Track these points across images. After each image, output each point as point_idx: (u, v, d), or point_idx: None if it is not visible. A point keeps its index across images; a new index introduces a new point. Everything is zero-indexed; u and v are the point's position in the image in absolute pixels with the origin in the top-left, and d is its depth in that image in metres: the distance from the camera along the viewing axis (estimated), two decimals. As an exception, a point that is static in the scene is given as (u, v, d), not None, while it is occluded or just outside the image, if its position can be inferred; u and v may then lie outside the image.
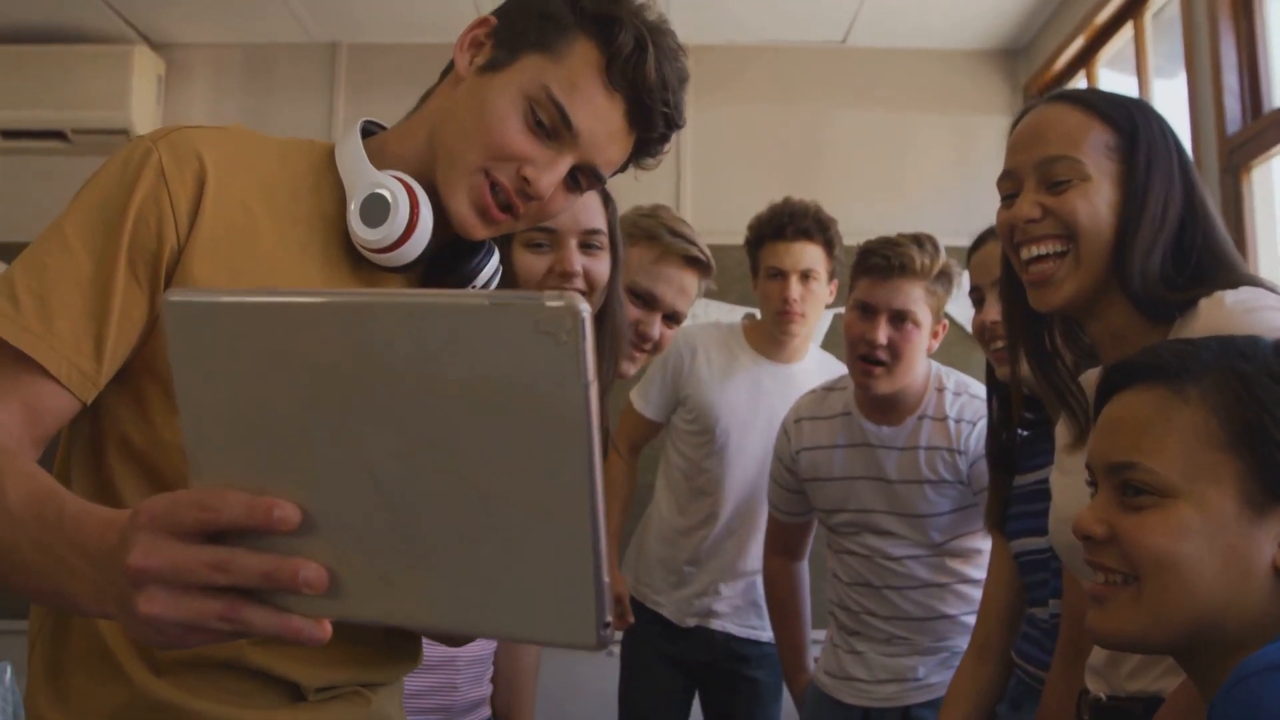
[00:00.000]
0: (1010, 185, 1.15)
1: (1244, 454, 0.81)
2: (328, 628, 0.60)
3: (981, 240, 1.67)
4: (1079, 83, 3.30)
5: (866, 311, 1.84)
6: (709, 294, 2.01)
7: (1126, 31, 2.99)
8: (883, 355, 1.82)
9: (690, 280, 1.79)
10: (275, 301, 0.58)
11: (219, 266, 0.90)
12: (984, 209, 3.52)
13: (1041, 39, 3.43)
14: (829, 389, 2.04)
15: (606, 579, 0.54)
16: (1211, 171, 2.38)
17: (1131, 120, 1.10)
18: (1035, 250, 1.10)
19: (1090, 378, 1.23)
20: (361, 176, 0.96)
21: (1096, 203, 1.07)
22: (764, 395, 2.34)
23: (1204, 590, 0.80)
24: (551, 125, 0.95)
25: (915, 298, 1.82)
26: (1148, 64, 2.88)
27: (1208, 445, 0.82)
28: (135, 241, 0.88)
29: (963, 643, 1.80)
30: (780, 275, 2.26)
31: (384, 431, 0.56)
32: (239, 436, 0.60)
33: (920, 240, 1.86)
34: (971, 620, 1.77)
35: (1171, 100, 2.78)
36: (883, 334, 1.81)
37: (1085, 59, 3.21)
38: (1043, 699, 1.32)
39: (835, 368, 2.47)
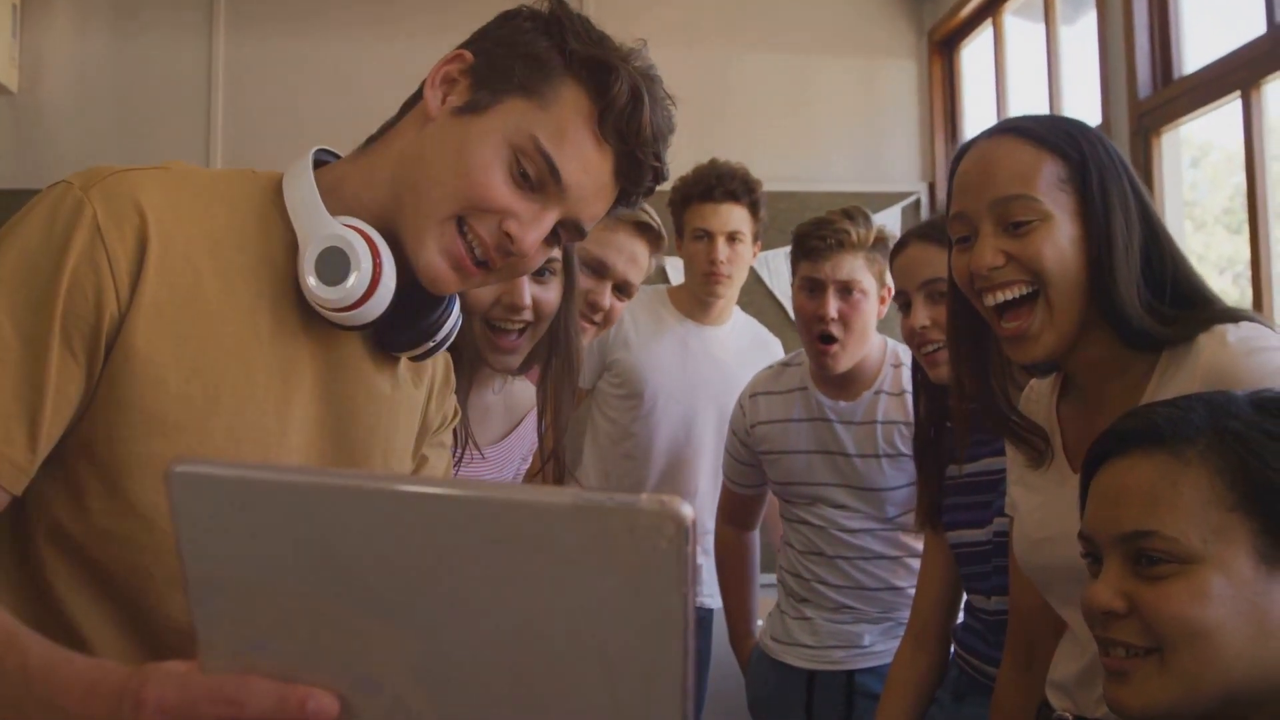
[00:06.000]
0: (962, 229, 1.10)
1: (1254, 512, 0.82)
2: None
3: (903, 244, 1.66)
4: (985, 31, 3.33)
5: (813, 289, 1.86)
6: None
7: (1034, -19, 3.01)
8: (835, 330, 1.84)
9: (641, 249, 1.76)
10: (311, 482, 0.52)
11: (163, 334, 0.81)
12: (887, 153, 3.61)
13: (948, -17, 3.43)
14: (786, 364, 2.05)
15: None
16: (1121, 134, 2.44)
17: (1078, 148, 1.06)
18: (1001, 296, 1.06)
19: (1041, 387, 1.23)
20: (316, 226, 0.87)
21: (1061, 242, 1.04)
22: (691, 357, 2.34)
23: (1234, 654, 0.80)
24: (538, 178, 0.88)
25: (857, 268, 1.85)
26: (1056, 13, 2.92)
27: (1217, 507, 0.82)
28: (70, 312, 0.78)
29: (908, 615, 1.85)
30: (707, 237, 2.26)
31: (437, 625, 0.52)
32: (258, 616, 0.54)
33: (850, 214, 1.88)
34: None
35: (1078, 48, 2.84)
36: (832, 307, 1.83)
37: (992, 6, 3.23)
38: (995, 700, 1.33)
39: (759, 331, 2.50)
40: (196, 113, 3.37)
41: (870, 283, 1.86)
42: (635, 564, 0.48)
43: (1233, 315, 1.03)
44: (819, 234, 1.85)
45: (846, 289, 1.84)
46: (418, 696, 0.53)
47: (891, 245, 1.89)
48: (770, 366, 2.09)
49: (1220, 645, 0.80)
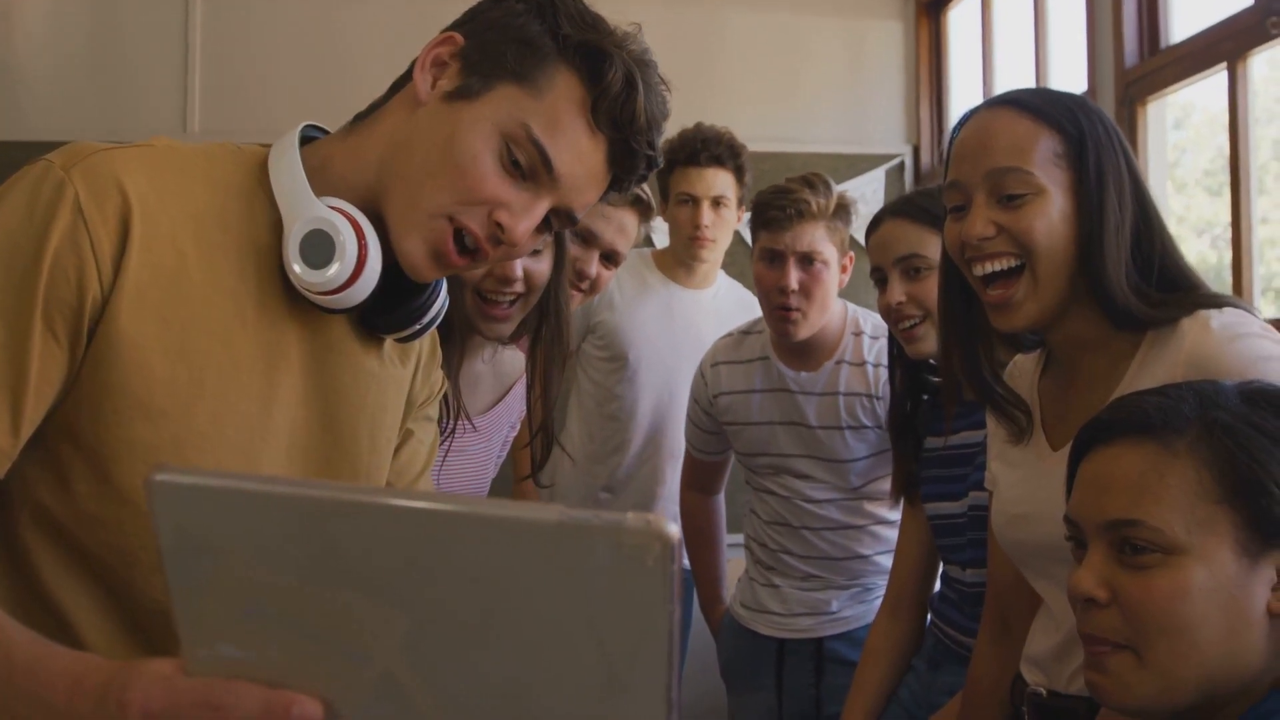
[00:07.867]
0: (957, 197, 1.11)
1: (1239, 505, 0.83)
2: None
3: (878, 221, 1.66)
4: (973, -7, 3.31)
5: (774, 260, 1.84)
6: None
7: (1024, -56, 2.99)
8: (795, 301, 1.82)
9: (630, 219, 1.75)
10: (293, 494, 0.53)
11: (147, 317, 0.81)
12: (872, 115, 3.59)
13: (936, -56, 3.40)
14: (746, 332, 2.04)
15: None
16: (1107, 103, 2.44)
17: (1077, 124, 1.07)
18: (989, 267, 1.08)
19: (1025, 363, 1.24)
20: (301, 208, 0.86)
21: (1053, 217, 1.05)
22: (675, 320, 2.35)
23: (1212, 647, 0.82)
24: (529, 167, 0.87)
25: (818, 238, 1.83)
26: (1044, -22, 2.90)
27: (1203, 499, 0.83)
28: (52, 294, 0.77)
29: (875, 580, 1.89)
30: (692, 201, 2.26)
31: (422, 638, 0.52)
32: (241, 619, 0.55)
33: (810, 181, 1.85)
34: (885, 560, 1.85)
35: (1066, 13, 2.82)
36: (793, 278, 1.81)
37: (981, -31, 3.21)
38: (971, 671, 1.36)
39: (743, 294, 2.49)
40: (173, 67, 3.30)
41: (831, 252, 1.84)
42: (621, 582, 0.48)
43: (1217, 301, 1.04)
44: (778, 204, 1.81)
45: (808, 259, 1.82)
46: (398, 703, 0.54)
47: (853, 212, 1.90)
48: (730, 334, 2.07)
49: (1198, 639, 0.81)
